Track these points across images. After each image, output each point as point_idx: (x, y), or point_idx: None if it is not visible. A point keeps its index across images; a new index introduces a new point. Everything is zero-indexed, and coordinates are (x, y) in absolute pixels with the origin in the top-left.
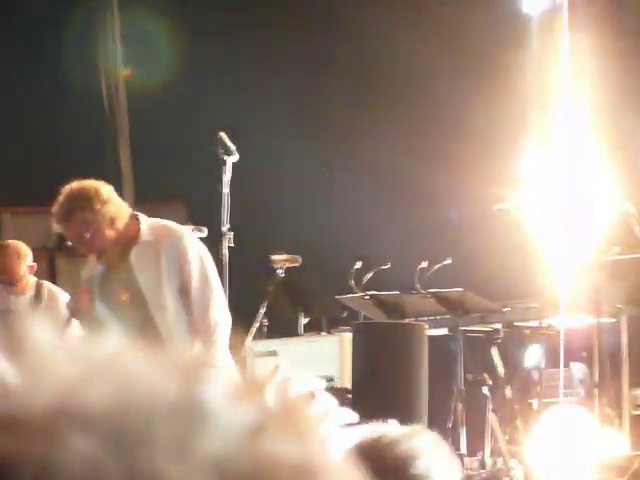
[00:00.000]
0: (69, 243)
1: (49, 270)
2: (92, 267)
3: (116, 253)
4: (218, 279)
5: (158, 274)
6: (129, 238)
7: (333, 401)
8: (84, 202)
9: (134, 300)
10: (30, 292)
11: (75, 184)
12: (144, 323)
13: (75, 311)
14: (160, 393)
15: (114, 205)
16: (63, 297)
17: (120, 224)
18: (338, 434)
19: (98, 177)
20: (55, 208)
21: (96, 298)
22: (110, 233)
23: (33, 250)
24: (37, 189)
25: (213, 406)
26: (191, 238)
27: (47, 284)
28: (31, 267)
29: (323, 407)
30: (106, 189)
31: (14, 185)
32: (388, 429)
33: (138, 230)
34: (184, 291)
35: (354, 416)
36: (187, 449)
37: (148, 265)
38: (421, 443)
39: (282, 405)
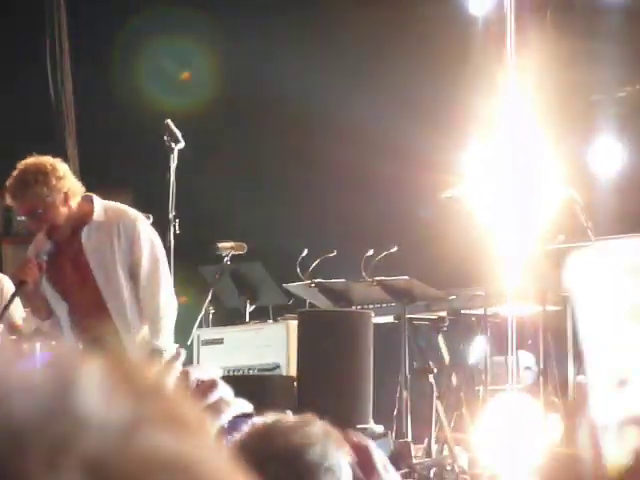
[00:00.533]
0: (20, 220)
1: None
2: (40, 244)
3: (67, 232)
4: (167, 265)
5: (109, 255)
6: (81, 217)
7: (229, 390)
8: (40, 176)
9: (83, 280)
10: None
11: (31, 159)
12: (92, 304)
13: (20, 284)
14: (32, 399)
15: (69, 182)
16: (8, 284)
17: (73, 202)
18: (230, 423)
19: None
20: (9, 181)
21: (43, 275)
22: (63, 210)
23: None
24: None
25: (87, 407)
26: (144, 222)
27: None
28: None
29: (220, 396)
30: (62, 166)
31: None
32: (282, 418)
33: (91, 210)
34: (134, 274)
35: (249, 406)
36: (60, 455)
37: (99, 246)
38: (315, 431)
39: (163, 398)
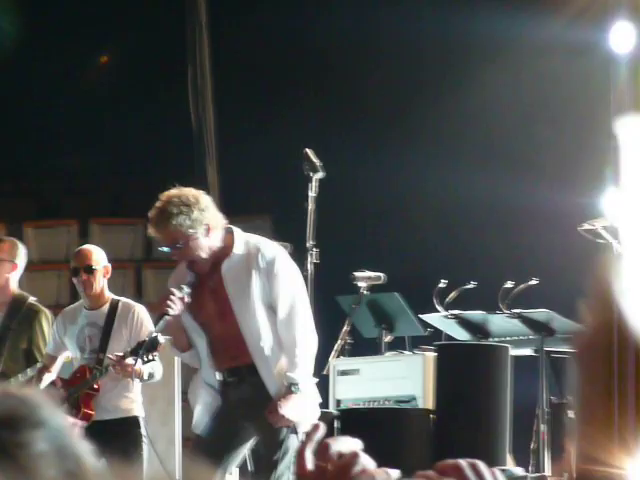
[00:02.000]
0: (162, 250)
1: (135, 281)
2: (181, 275)
3: (208, 264)
4: (306, 298)
5: (248, 288)
6: (222, 250)
7: (371, 462)
8: (183, 208)
9: (222, 313)
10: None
11: (174, 191)
12: (231, 336)
13: (162, 316)
14: None
15: (211, 214)
16: (139, 311)
17: (215, 234)
18: None
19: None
20: (153, 213)
21: (186, 301)
22: (205, 243)
23: (121, 261)
24: (125, 201)
25: None
26: (284, 257)
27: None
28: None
29: (363, 468)
30: (205, 198)
31: (103, 196)
32: None
33: (232, 243)
34: (272, 308)
35: (395, 474)
36: None
37: (238, 278)
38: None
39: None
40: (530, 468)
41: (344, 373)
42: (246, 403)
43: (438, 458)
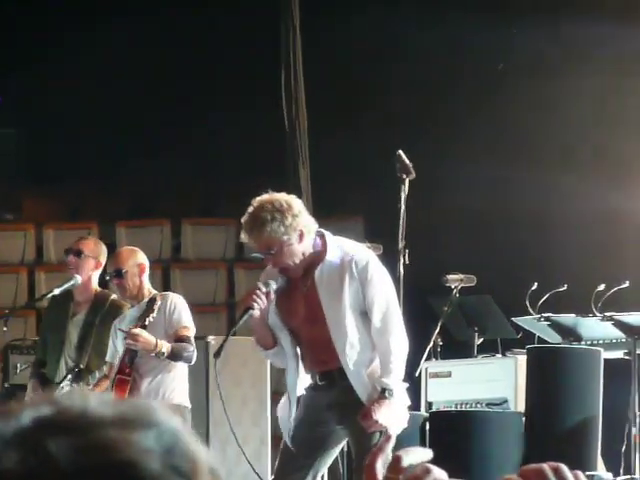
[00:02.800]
0: (254, 256)
1: (228, 281)
2: (272, 274)
3: (300, 269)
4: (397, 303)
5: (341, 294)
6: (315, 255)
7: (443, 474)
8: (276, 214)
9: (314, 318)
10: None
11: (267, 196)
12: (321, 341)
13: (246, 310)
14: None
15: (304, 220)
16: (177, 301)
17: (308, 239)
18: None
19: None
20: (245, 218)
21: (271, 305)
22: (299, 248)
23: (213, 261)
24: (217, 201)
25: None
26: (376, 263)
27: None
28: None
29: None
30: (297, 203)
31: (195, 196)
32: None
33: (325, 248)
34: (364, 314)
35: None
36: None
37: (332, 284)
38: None
39: None
40: (621, 471)
41: (435, 375)
42: (338, 407)
43: (528, 461)
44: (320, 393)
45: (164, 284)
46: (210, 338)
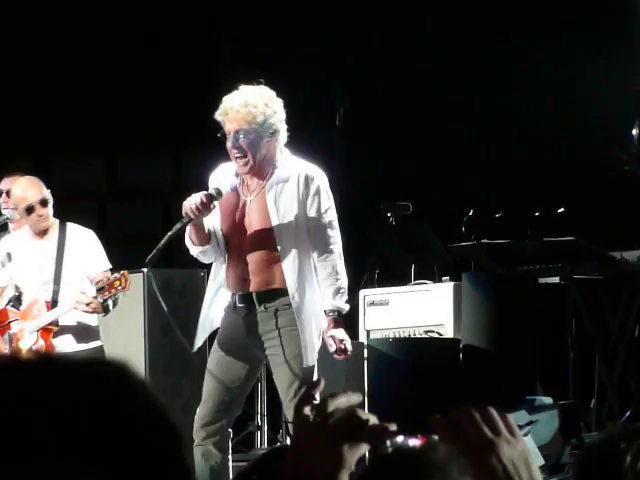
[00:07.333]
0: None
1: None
2: (224, 177)
3: (255, 172)
4: (338, 228)
5: (289, 209)
6: (268, 164)
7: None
8: (272, 102)
9: (248, 229)
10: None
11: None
12: (248, 257)
13: (187, 218)
14: None
15: (284, 127)
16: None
17: (276, 146)
18: None
19: None
20: (237, 92)
21: (213, 208)
22: (267, 146)
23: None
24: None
25: None
26: (326, 183)
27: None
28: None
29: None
30: (280, 103)
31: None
32: (404, 445)
33: (278, 160)
34: (310, 233)
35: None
36: None
37: (281, 198)
38: (436, 458)
39: None
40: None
41: (374, 304)
42: (256, 334)
43: (466, 387)
44: (238, 317)
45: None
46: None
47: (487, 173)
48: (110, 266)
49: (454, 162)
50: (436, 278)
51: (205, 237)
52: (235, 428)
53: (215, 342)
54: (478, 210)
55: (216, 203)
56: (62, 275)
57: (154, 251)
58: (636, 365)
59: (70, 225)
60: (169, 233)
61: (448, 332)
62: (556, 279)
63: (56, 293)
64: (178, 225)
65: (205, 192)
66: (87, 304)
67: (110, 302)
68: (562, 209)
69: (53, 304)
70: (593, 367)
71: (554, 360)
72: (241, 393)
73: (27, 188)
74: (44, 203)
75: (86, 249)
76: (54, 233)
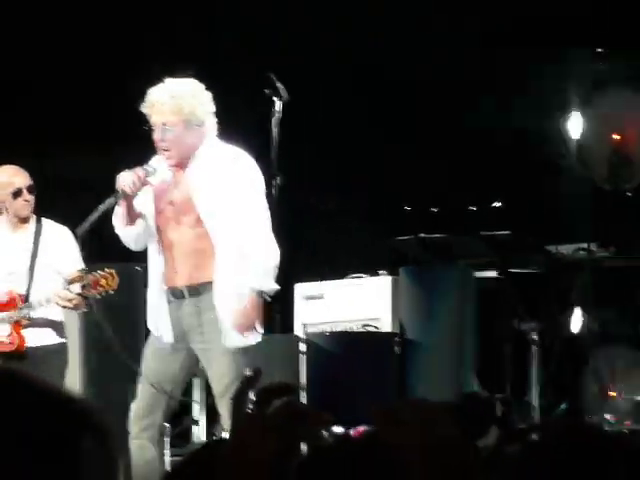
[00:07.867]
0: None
1: None
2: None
3: (180, 162)
4: (267, 209)
5: (212, 190)
6: (194, 149)
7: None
8: (200, 94)
9: (177, 218)
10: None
11: (191, 79)
12: (177, 249)
13: (119, 192)
14: None
15: (212, 117)
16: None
17: (202, 135)
18: None
19: None
20: (162, 84)
21: (146, 185)
22: (192, 136)
23: None
24: None
25: None
26: (254, 166)
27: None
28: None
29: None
30: (209, 95)
31: None
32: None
33: (204, 150)
34: (235, 212)
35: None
36: None
37: (205, 180)
38: None
39: None
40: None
41: (308, 298)
42: (191, 328)
43: (403, 380)
44: (171, 310)
45: None
46: None
47: (425, 167)
48: (83, 265)
49: (392, 155)
50: (372, 272)
51: (135, 215)
52: (172, 422)
53: (150, 336)
54: (415, 205)
55: (151, 180)
56: (35, 269)
57: (84, 223)
58: (571, 359)
59: (46, 221)
60: (100, 206)
61: (385, 326)
62: (493, 273)
63: (29, 286)
64: (112, 199)
65: (140, 167)
66: (69, 300)
67: (92, 299)
68: (498, 203)
69: (26, 298)
70: (529, 361)
71: (490, 354)
72: (176, 387)
73: (14, 174)
74: (31, 189)
75: (60, 246)
76: (31, 227)
